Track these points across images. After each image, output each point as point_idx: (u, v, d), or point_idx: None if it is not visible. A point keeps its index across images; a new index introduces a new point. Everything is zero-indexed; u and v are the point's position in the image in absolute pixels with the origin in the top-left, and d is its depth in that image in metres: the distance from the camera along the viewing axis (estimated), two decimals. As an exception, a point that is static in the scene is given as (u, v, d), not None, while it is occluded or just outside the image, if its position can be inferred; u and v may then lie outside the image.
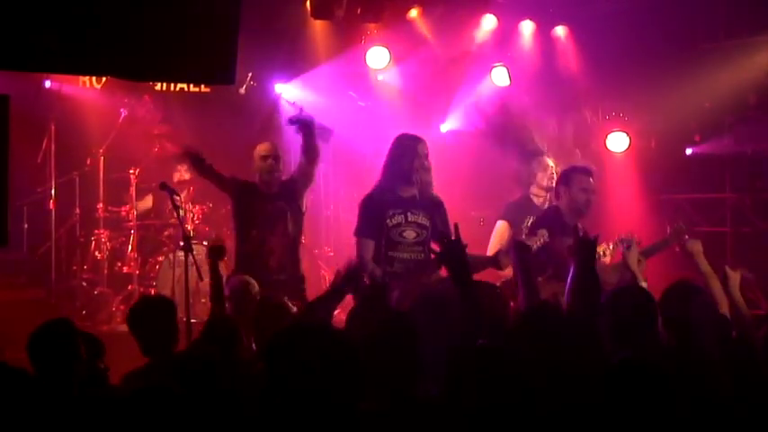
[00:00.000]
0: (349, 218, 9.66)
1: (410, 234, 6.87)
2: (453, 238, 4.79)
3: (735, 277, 5.62)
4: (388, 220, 6.83)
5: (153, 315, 5.34)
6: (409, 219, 6.87)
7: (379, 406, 3.49)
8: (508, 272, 7.05)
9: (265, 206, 7.74)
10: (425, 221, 6.89)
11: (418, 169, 6.90)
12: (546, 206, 8.03)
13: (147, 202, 10.91)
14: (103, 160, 10.59)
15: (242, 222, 7.78)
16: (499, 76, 11.84)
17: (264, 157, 7.91)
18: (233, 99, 11.43)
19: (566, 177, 7.30)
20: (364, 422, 3.24)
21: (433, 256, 6.66)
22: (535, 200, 8.30)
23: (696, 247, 6.34)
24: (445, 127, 12.41)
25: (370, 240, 6.75)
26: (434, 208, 6.98)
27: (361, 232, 6.80)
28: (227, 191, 7.98)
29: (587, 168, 7.45)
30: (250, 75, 11.37)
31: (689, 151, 11.48)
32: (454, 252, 4.66)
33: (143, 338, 5.27)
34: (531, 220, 7.70)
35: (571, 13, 11.87)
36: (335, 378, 3.10)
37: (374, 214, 6.84)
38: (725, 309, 5.48)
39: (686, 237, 7.19)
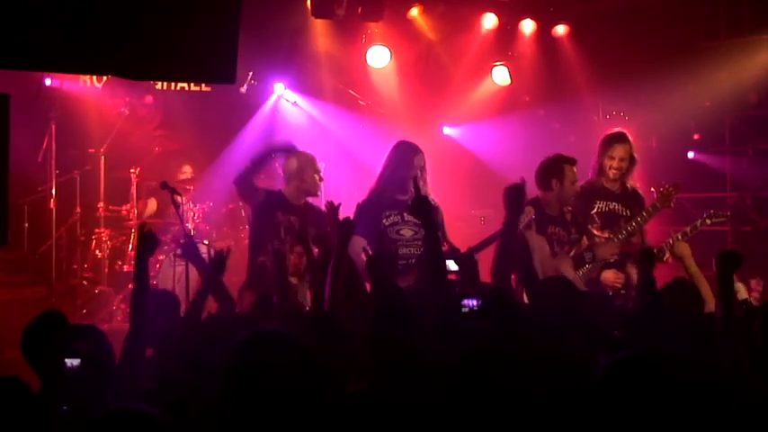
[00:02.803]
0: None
1: (407, 232, 6.95)
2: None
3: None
4: (384, 220, 6.90)
5: (155, 307, 5.35)
6: (405, 218, 6.94)
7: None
8: None
9: (289, 218, 7.39)
10: None
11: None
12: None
13: (152, 205, 10.91)
14: (104, 159, 10.60)
15: (258, 234, 7.36)
16: (500, 75, 11.86)
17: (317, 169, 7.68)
18: (234, 98, 11.43)
19: (558, 170, 7.31)
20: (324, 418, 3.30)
21: None
22: (612, 184, 7.83)
23: (685, 250, 6.42)
24: (447, 129, 12.45)
25: (361, 238, 6.77)
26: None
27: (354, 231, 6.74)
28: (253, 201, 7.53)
29: (573, 159, 7.47)
30: (251, 74, 11.38)
31: (690, 155, 11.51)
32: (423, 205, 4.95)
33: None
34: (598, 205, 7.66)
35: (572, 11, 11.88)
36: (293, 380, 3.18)
37: (369, 215, 6.87)
38: (711, 307, 5.56)
39: (675, 199, 7.45)
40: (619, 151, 7.77)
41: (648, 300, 4.72)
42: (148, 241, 4.99)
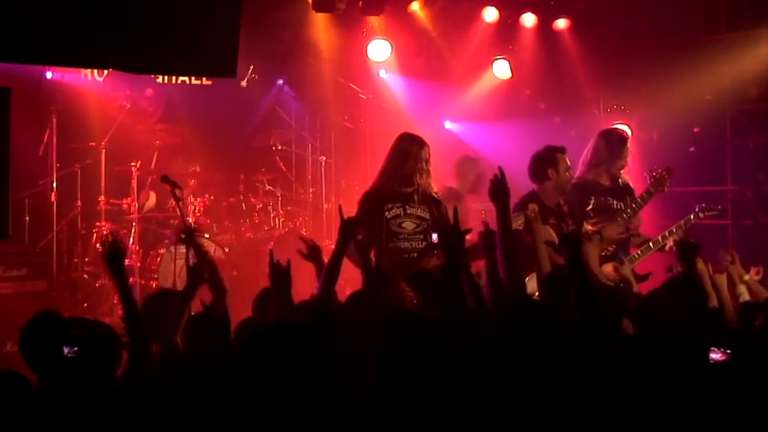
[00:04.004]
0: (350, 210, 9.66)
1: (409, 225, 6.94)
2: (452, 223, 4.89)
3: (722, 280, 5.71)
4: (386, 213, 6.89)
5: (167, 304, 5.39)
6: (408, 211, 6.94)
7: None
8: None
9: None
10: (424, 214, 6.95)
11: (419, 173, 6.95)
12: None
13: (152, 200, 10.92)
14: (105, 153, 10.58)
15: None
16: (501, 69, 11.86)
17: None
18: (235, 91, 11.42)
19: (552, 159, 7.36)
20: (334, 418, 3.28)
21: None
22: (606, 180, 7.88)
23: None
24: (448, 123, 12.46)
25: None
26: (433, 204, 7.03)
27: None
28: None
29: (563, 147, 7.50)
30: (251, 67, 11.38)
31: (692, 149, 11.51)
32: (452, 237, 4.75)
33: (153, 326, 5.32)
34: (594, 201, 7.69)
35: (572, 5, 11.87)
36: (306, 375, 3.17)
37: (371, 207, 6.89)
38: (714, 302, 5.58)
39: (669, 184, 7.54)
40: (628, 151, 7.86)
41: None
42: (118, 251, 4.88)
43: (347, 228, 5.35)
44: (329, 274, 5.12)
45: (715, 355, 3.97)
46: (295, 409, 3.13)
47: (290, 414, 3.13)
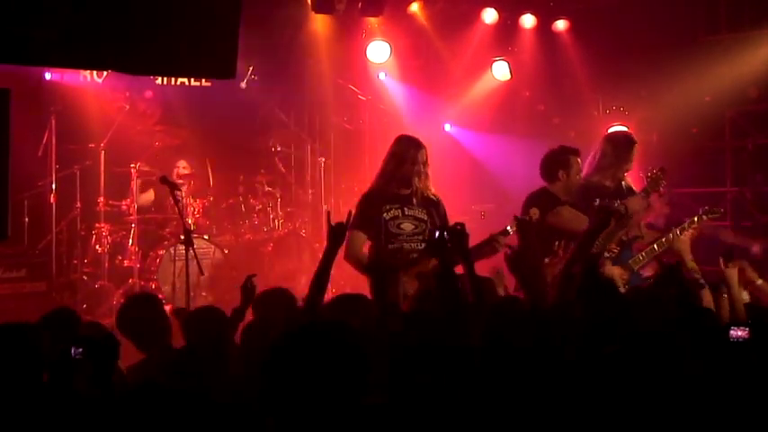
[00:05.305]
0: (343, 212, 9.67)
1: (407, 226, 6.92)
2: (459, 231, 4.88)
3: (732, 275, 5.67)
4: (384, 214, 6.87)
5: (139, 311, 5.39)
6: (406, 212, 6.92)
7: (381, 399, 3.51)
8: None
9: None
10: (423, 216, 6.92)
11: (416, 176, 6.93)
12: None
13: (150, 195, 10.91)
14: (104, 154, 10.57)
15: None
16: (500, 70, 11.86)
17: None
18: (234, 93, 11.42)
19: (565, 161, 7.35)
20: (366, 417, 3.24)
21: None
22: (610, 182, 7.78)
23: (684, 245, 6.43)
24: (447, 124, 12.46)
25: (359, 232, 6.76)
26: (432, 206, 7.00)
27: (352, 225, 6.42)
28: None
29: (577, 149, 7.53)
30: (251, 68, 11.37)
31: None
32: (459, 240, 4.77)
33: (135, 336, 5.30)
34: (599, 203, 7.68)
35: (572, 6, 11.88)
36: (339, 375, 3.11)
37: (369, 208, 6.87)
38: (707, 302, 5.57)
39: (664, 183, 7.50)
40: (634, 155, 7.84)
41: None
42: None
43: (336, 233, 5.36)
44: (318, 280, 5.11)
45: (736, 333, 4.03)
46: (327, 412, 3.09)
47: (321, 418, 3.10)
